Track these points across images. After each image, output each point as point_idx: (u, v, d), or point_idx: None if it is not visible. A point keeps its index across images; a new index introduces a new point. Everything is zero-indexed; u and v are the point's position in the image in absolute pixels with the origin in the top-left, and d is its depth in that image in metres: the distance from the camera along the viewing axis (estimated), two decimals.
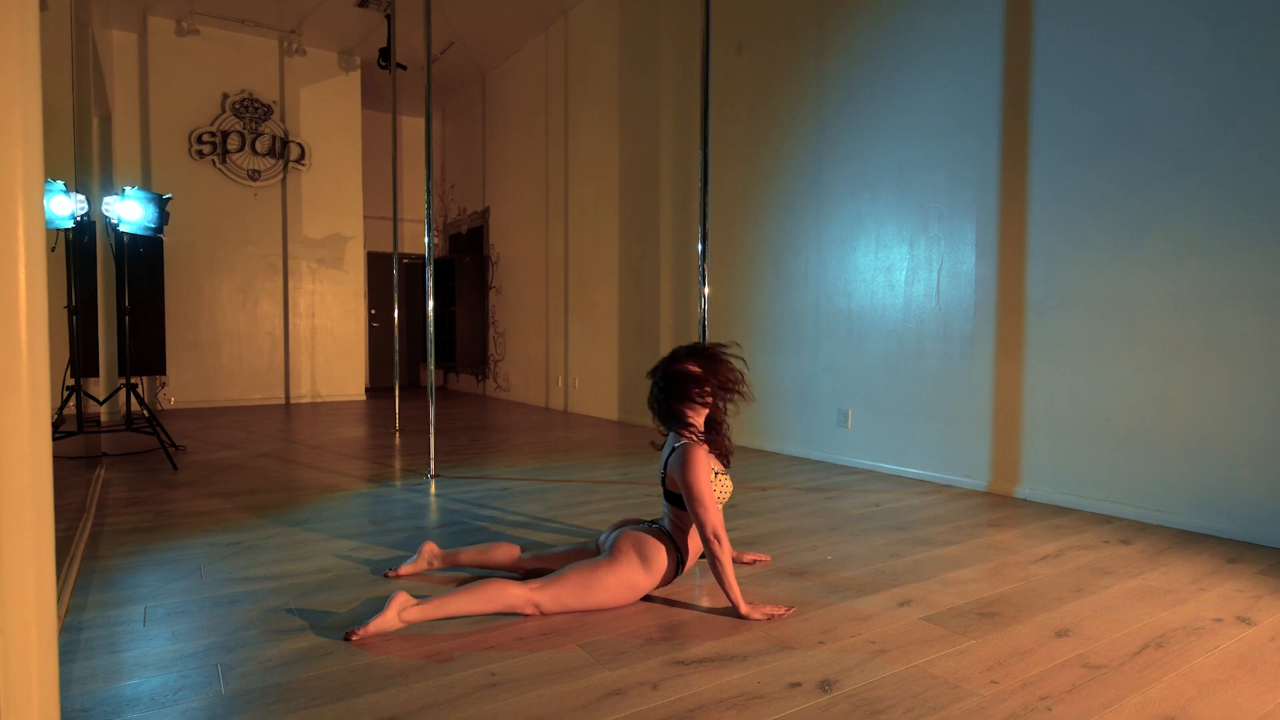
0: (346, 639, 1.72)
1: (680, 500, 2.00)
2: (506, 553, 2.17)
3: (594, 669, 1.60)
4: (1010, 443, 3.37)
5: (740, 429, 4.86)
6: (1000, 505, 3.19)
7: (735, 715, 1.41)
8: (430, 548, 2.20)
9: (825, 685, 1.54)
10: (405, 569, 2.18)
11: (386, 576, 2.16)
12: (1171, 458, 2.84)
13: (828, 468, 4.05)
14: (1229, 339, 2.69)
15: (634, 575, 1.93)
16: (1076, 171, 3.11)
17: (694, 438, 2.00)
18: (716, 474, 2.01)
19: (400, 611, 1.75)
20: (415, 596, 1.81)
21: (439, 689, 1.51)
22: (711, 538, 1.89)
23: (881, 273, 3.94)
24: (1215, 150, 2.71)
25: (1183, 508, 2.82)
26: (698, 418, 2.04)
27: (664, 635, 1.78)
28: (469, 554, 2.18)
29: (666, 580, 2.02)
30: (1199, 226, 2.76)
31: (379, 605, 1.84)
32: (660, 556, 1.97)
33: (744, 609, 1.88)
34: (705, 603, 2.01)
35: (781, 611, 1.90)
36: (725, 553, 1.90)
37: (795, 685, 1.53)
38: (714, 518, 1.90)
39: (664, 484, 2.06)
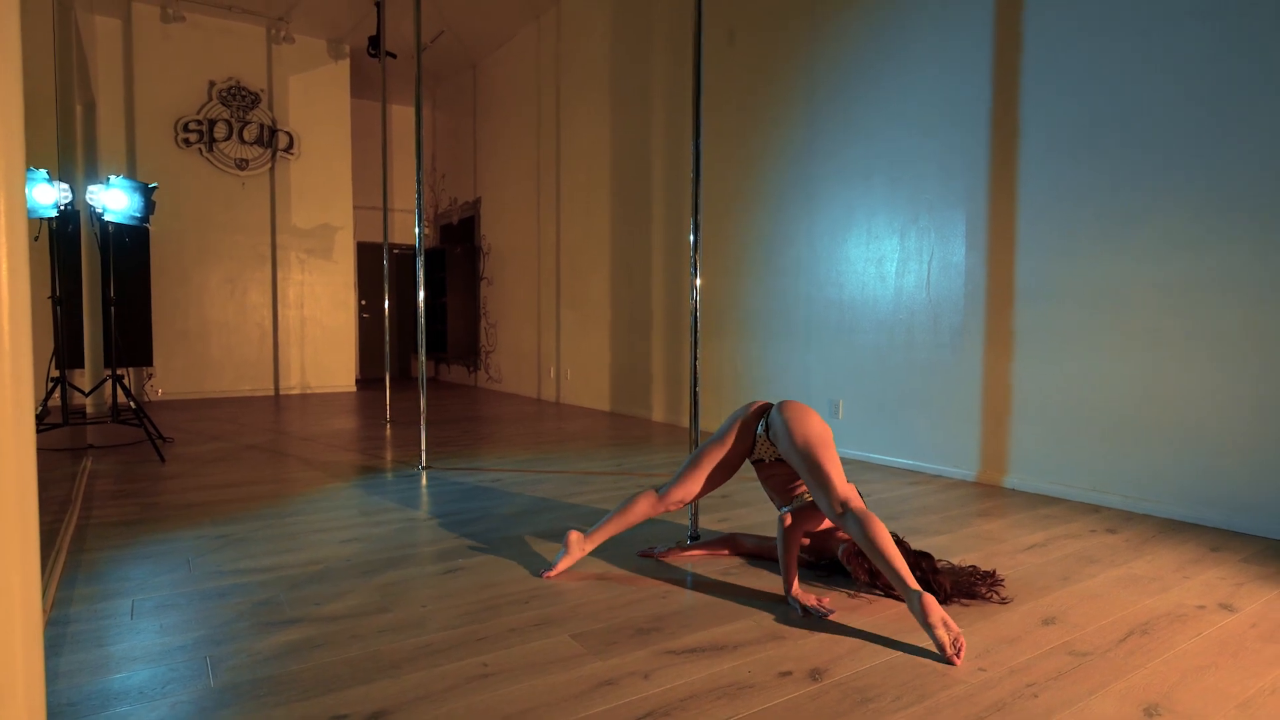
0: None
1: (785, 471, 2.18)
2: (645, 505, 2.19)
3: (586, 659, 1.61)
4: (999, 433, 3.39)
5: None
6: (989, 495, 3.21)
7: (726, 704, 1.42)
8: (575, 536, 2.18)
9: (815, 674, 1.55)
10: (561, 565, 2.14)
11: (544, 577, 2.11)
12: (1158, 448, 2.87)
13: None
14: (1215, 330, 2.71)
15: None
16: (1065, 163, 3.12)
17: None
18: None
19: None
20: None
21: (431, 680, 1.51)
22: (789, 519, 2.01)
23: (872, 264, 3.95)
24: (1203, 142, 2.72)
25: (1168, 497, 2.84)
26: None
27: (655, 625, 1.79)
28: (611, 526, 2.20)
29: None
30: (1186, 218, 2.77)
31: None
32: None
33: (795, 589, 1.92)
34: (698, 591, 2.02)
35: (827, 602, 1.90)
36: (796, 542, 1.99)
37: (785, 674, 1.54)
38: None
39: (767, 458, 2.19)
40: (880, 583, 1.98)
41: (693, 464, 2.21)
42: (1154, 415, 2.88)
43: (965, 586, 1.96)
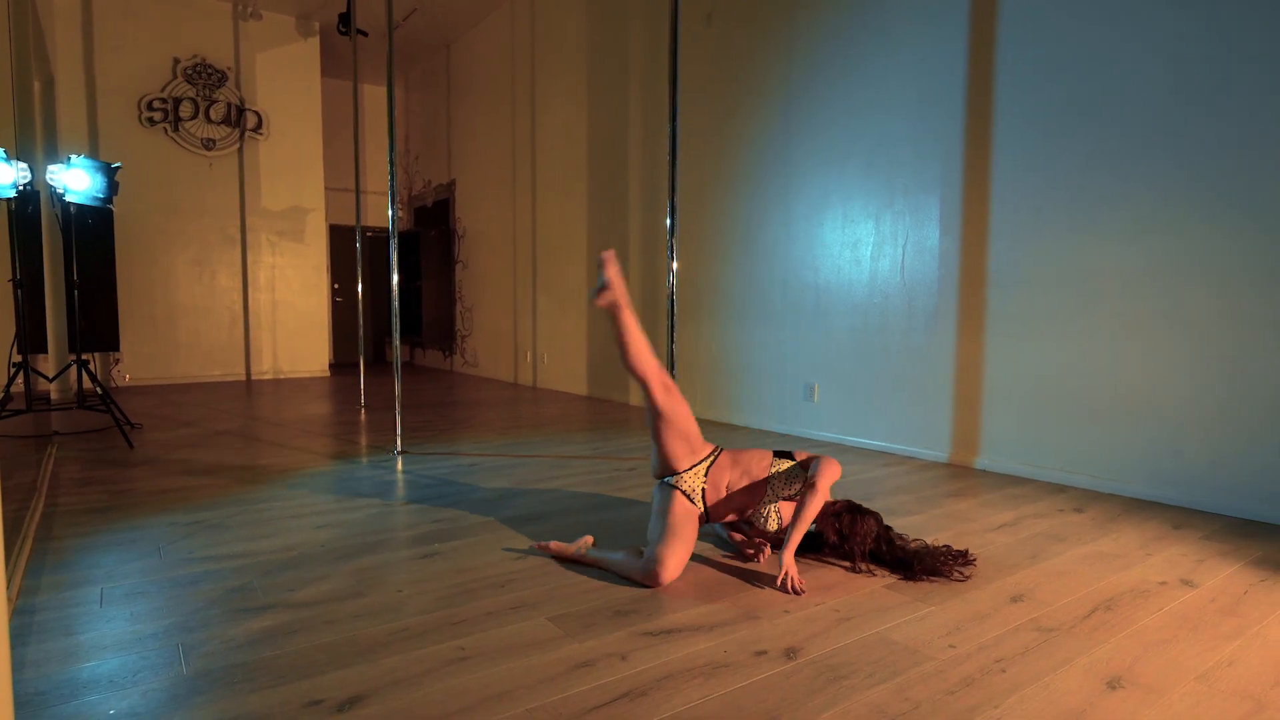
0: (594, 299, 2.07)
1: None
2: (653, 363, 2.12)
3: (563, 642, 1.61)
4: (971, 415, 3.44)
5: (710, 403, 4.89)
6: (961, 476, 3.26)
7: (702, 684, 1.43)
8: (618, 281, 2.08)
9: (790, 653, 1.57)
10: (607, 292, 2.04)
11: (596, 301, 2.08)
12: (1125, 429, 2.93)
13: (795, 441, 4.10)
14: (1182, 314, 2.77)
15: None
16: (1039, 147, 3.15)
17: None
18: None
19: (618, 285, 2.03)
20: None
21: (407, 664, 1.51)
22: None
23: (848, 248, 3.97)
24: (1175, 127, 2.76)
25: (1134, 477, 2.91)
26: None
27: (633, 607, 1.80)
28: (632, 326, 2.09)
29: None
30: (1158, 202, 2.82)
31: None
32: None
33: (789, 556, 1.94)
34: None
35: (800, 583, 1.93)
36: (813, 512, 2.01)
37: (761, 653, 1.56)
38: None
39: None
40: (848, 546, 2.05)
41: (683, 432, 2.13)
42: (1122, 397, 2.94)
43: (933, 566, 2.00)
